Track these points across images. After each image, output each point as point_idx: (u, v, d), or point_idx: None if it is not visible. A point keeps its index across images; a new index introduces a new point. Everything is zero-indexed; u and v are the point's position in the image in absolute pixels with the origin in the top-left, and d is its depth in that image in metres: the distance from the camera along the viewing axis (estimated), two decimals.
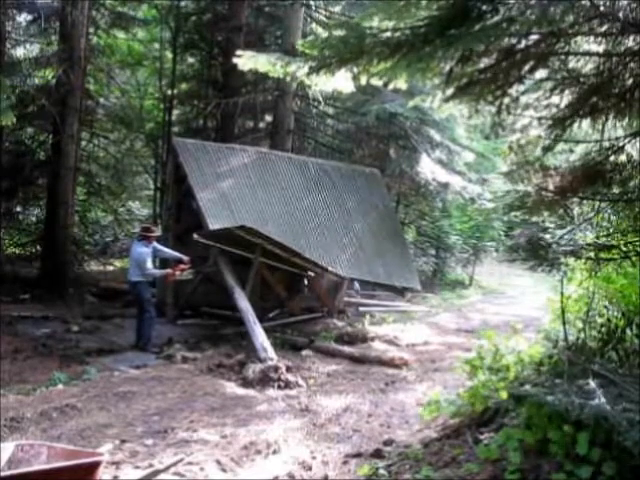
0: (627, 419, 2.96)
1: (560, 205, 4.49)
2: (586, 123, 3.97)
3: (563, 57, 3.70)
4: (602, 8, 3.41)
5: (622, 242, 4.49)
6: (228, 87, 14.68)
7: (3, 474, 3.34)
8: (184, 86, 17.41)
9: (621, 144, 4.01)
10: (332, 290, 10.99)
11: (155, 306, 9.04)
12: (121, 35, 15.39)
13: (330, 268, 10.33)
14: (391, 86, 3.84)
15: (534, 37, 3.48)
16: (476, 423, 4.27)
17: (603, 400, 3.12)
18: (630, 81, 3.63)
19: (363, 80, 3.76)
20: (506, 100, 3.79)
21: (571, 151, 4.35)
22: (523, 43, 3.50)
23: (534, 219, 5.17)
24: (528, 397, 3.42)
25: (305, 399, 6.44)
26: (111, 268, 15.23)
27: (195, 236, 9.55)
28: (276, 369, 7.05)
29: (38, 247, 13.66)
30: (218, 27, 15.53)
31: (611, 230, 4.76)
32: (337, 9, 15.84)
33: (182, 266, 8.94)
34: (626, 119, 3.86)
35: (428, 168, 14.09)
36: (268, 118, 16.11)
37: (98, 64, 14.28)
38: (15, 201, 13.73)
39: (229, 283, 8.96)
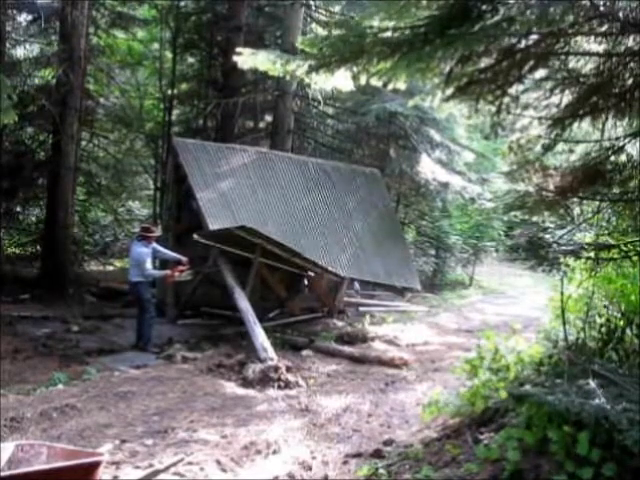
0: (627, 419, 2.96)
1: (560, 205, 4.48)
2: (586, 123, 3.96)
3: (563, 57, 3.70)
4: (602, 8, 3.41)
5: (622, 242, 4.49)
6: (228, 87, 14.68)
7: (3, 474, 3.34)
8: (184, 86, 17.42)
9: (621, 144, 4.00)
10: (332, 290, 10.99)
11: (155, 306, 9.04)
12: (121, 35, 15.39)
13: (330, 268, 10.33)
14: (390, 86, 3.83)
15: (534, 37, 3.48)
16: (476, 423, 4.27)
17: (603, 400, 3.12)
18: (630, 81, 3.63)
19: (363, 79, 3.76)
20: (506, 100, 3.79)
21: (571, 151, 4.33)
22: (523, 43, 3.50)
23: (534, 219, 5.16)
24: (528, 397, 3.41)
25: (305, 399, 6.44)
26: (111, 268, 15.25)
27: (195, 236, 9.54)
28: (276, 369, 7.05)
29: (38, 247, 13.67)
30: (218, 27, 15.53)
31: (611, 230, 4.75)
32: (337, 9, 15.84)
33: (180, 267, 8.93)
34: (626, 119, 3.85)
35: (428, 168, 14.10)
36: (268, 118, 16.12)
37: (98, 64, 14.29)
38: (15, 201, 13.73)
39: (229, 283, 8.96)
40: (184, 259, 8.97)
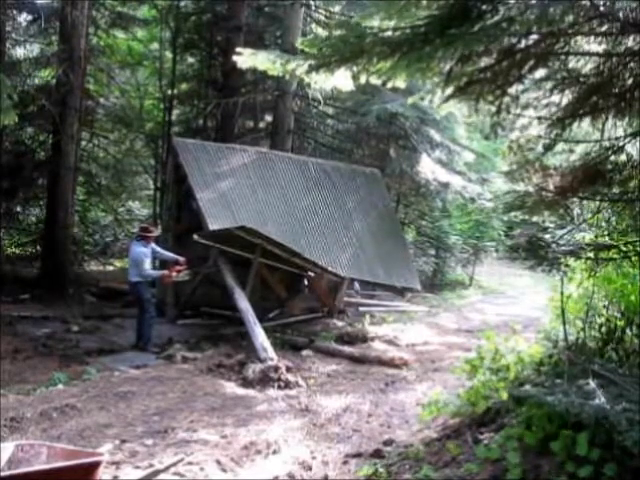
0: (627, 419, 2.95)
1: (560, 205, 4.48)
2: (586, 123, 3.96)
3: (563, 57, 3.69)
4: (602, 8, 3.41)
5: (622, 242, 4.48)
6: (228, 87, 14.67)
7: (3, 474, 3.34)
8: (184, 86, 17.41)
9: (621, 144, 4.00)
10: (332, 290, 10.98)
11: (155, 306, 9.03)
12: (121, 35, 15.40)
13: (330, 268, 10.33)
14: (390, 85, 3.83)
15: (534, 37, 3.48)
16: (476, 423, 4.27)
17: (603, 400, 3.12)
18: (630, 81, 3.63)
19: (363, 79, 3.76)
20: (506, 100, 3.79)
21: (571, 151, 4.33)
22: (523, 43, 3.50)
23: (534, 219, 5.16)
24: (528, 397, 3.42)
25: (305, 399, 6.44)
26: (111, 268, 15.24)
27: (195, 236, 9.54)
28: (276, 369, 7.05)
29: (38, 247, 13.67)
30: (218, 27, 15.52)
31: (611, 230, 4.75)
32: (337, 9, 15.83)
33: (178, 267, 8.92)
34: (626, 119, 3.85)
35: (428, 168, 14.09)
36: (268, 118, 16.11)
37: (98, 64, 14.30)
38: (15, 201, 13.73)
39: (229, 283, 8.96)
40: (181, 259, 8.97)
